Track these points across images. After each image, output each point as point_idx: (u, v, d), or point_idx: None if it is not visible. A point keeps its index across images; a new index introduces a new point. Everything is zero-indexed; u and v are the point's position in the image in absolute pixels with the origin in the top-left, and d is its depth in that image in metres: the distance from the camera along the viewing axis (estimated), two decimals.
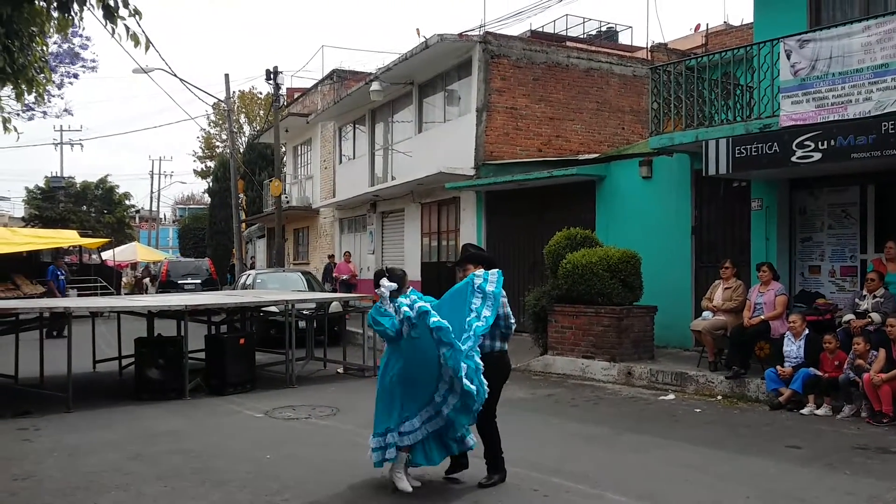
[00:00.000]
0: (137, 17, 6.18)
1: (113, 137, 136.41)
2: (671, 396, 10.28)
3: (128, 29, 6.01)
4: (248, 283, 19.51)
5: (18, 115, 14.58)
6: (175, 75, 26.36)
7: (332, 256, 25.55)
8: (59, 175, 46.41)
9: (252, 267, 33.66)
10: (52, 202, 42.58)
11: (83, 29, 10.52)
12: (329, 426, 8.69)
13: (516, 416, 8.79)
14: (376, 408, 6.14)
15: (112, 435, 8.30)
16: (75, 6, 5.91)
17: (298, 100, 33.18)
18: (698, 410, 9.43)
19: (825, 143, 9.52)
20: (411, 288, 6.31)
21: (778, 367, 9.47)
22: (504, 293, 6.30)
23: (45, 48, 7.65)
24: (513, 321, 6.47)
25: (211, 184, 44.76)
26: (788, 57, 10.19)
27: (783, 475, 6.58)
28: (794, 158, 9.82)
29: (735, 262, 11.27)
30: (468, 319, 5.88)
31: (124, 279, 35.52)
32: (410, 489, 6.02)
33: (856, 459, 7.07)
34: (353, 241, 26.31)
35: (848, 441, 7.73)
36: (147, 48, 6.35)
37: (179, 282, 28.60)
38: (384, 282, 6.01)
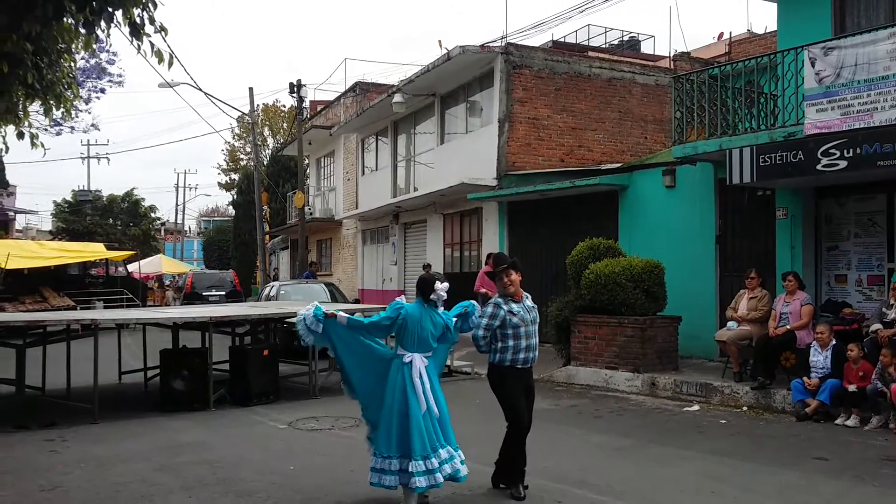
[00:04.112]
0: (163, 33, 6.28)
1: (139, 151, 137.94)
2: (696, 407, 10.20)
3: (153, 45, 6.11)
4: (271, 294, 19.60)
5: (46, 130, 14.80)
6: (200, 89, 26.77)
7: (428, 266, 19.24)
8: (85, 189, 47.06)
9: (275, 278, 33.83)
10: (79, 215, 43.18)
11: (110, 45, 10.69)
12: (352, 437, 8.69)
13: (539, 426, 8.71)
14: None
15: (138, 446, 8.37)
16: (102, 24, 6.01)
17: (321, 112, 33.41)
18: (723, 422, 9.35)
19: (851, 150, 9.43)
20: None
21: (804, 378, 9.36)
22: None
23: (72, 64, 7.77)
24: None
25: (235, 196, 45.10)
26: (813, 65, 10.12)
27: (810, 487, 6.50)
28: (819, 167, 9.73)
29: (760, 272, 11.16)
30: None
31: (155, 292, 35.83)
32: None
33: (884, 471, 6.97)
34: (376, 252, 26.38)
35: (876, 452, 7.63)
36: (171, 64, 6.44)
37: (204, 293, 28.81)
38: (440, 286, 6.07)
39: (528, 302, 6.46)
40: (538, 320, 6.50)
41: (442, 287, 6.08)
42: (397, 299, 6.15)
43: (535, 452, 6.54)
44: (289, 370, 13.00)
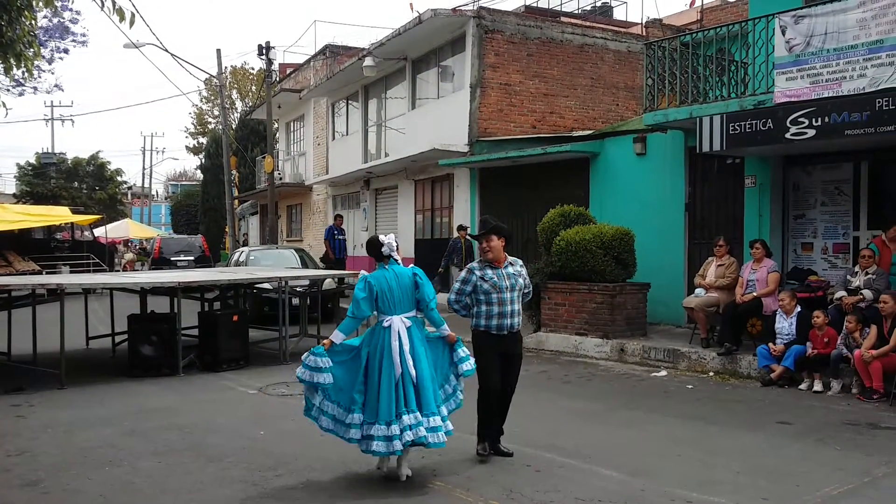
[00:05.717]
0: None
1: (104, 113, 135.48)
2: (663, 373, 10.34)
3: (114, 2, 5.95)
4: (241, 259, 19.47)
5: (8, 90, 14.46)
6: (166, 50, 26.24)
7: (464, 228, 16.95)
8: (50, 151, 46.10)
9: (245, 244, 33.58)
10: (44, 179, 42.35)
11: (72, 2, 10.40)
12: None
13: None
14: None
15: (106, 411, 8.31)
16: None
17: (291, 75, 32.93)
18: (690, 387, 9.49)
19: (819, 119, 9.51)
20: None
21: (770, 344, 9.51)
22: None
23: (33, 22, 7.56)
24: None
25: (203, 160, 44.49)
26: (783, 33, 10.14)
27: (774, 450, 6.63)
28: (788, 135, 9.81)
29: (728, 239, 11.28)
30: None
31: (123, 259, 35.44)
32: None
33: (846, 435, 7.13)
34: (347, 218, 26.22)
35: (838, 417, 7.79)
36: (132, 23, 6.29)
37: (172, 258, 28.54)
38: (384, 238, 6.02)
39: (511, 269, 6.43)
40: (520, 286, 6.46)
41: (387, 238, 6.02)
42: (360, 274, 6.10)
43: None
44: (259, 336, 12.95)
